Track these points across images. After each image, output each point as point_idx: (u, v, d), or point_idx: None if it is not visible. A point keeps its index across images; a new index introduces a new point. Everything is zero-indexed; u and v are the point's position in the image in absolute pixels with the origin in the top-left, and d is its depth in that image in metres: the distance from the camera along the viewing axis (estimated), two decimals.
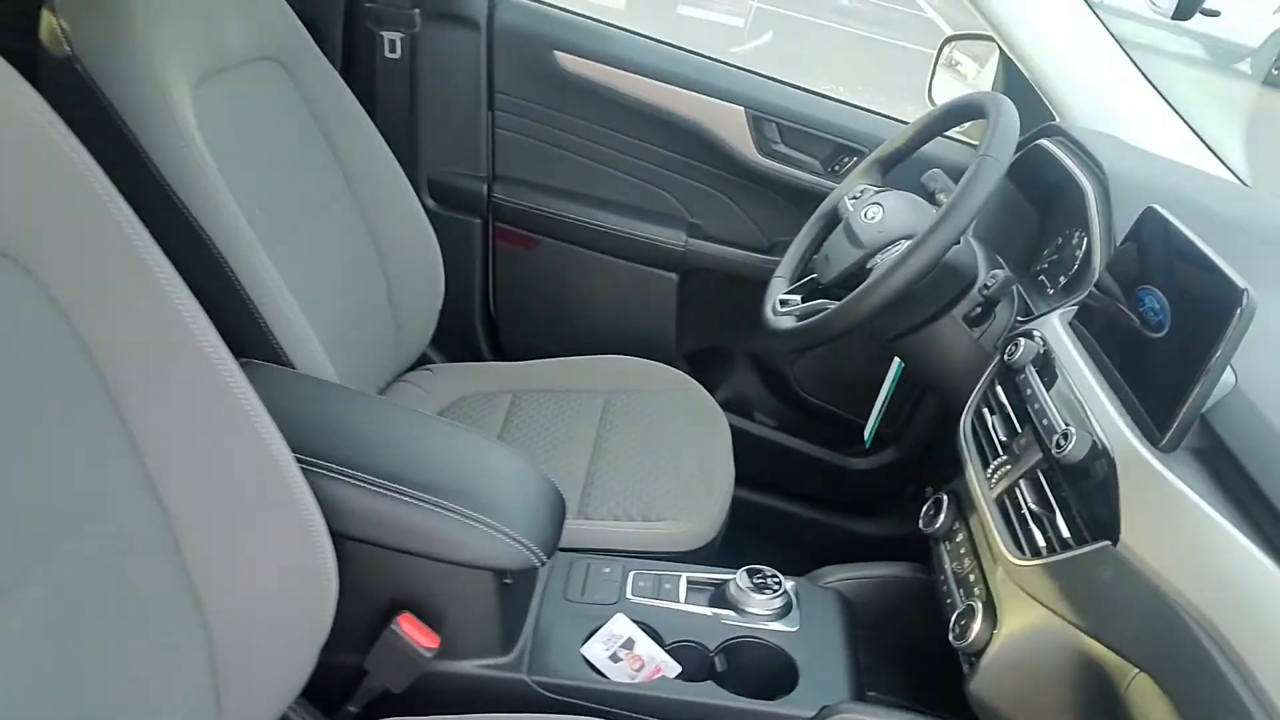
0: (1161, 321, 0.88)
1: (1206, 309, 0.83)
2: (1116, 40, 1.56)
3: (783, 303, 1.39)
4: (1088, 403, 0.93)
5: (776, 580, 1.22)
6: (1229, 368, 0.85)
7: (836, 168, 1.73)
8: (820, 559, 1.65)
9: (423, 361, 1.75)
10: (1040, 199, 1.46)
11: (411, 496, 0.97)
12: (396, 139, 1.62)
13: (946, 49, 1.87)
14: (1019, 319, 1.24)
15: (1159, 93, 1.57)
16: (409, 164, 1.67)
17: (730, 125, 1.72)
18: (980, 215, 1.52)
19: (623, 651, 1.11)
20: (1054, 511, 0.92)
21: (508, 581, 1.05)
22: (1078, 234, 1.35)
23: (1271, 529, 0.75)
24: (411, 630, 1.01)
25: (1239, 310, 0.79)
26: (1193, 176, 1.41)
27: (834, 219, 1.45)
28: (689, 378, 1.70)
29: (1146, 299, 0.91)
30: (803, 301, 1.37)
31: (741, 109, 1.70)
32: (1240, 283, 0.80)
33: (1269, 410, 0.82)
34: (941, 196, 1.40)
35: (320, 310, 1.35)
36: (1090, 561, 0.84)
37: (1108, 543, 0.82)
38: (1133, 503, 0.82)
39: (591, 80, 1.71)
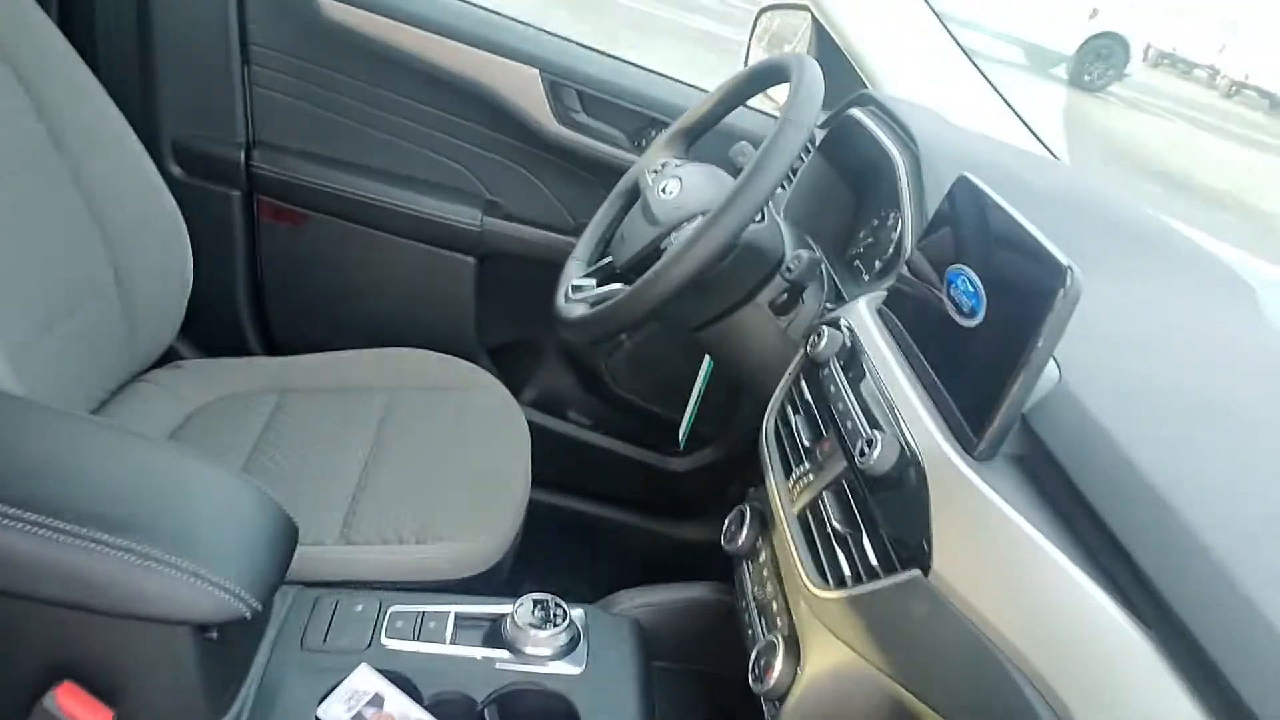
0: (975, 307, 0.76)
1: (1025, 292, 0.71)
2: (933, 9, 1.47)
3: (576, 289, 1.22)
4: (897, 403, 0.79)
5: (561, 611, 1.05)
6: (1052, 360, 0.73)
7: (643, 141, 1.57)
8: (637, 569, 1.50)
9: (170, 357, 1.49)
10: (855, 176, 1.35)
11: (65, 532, 0.74)
12: (126, 95, 1.36)
13: (764, 19, 1.75)
14: (828, 305, 1.11)
15: (975, 66, 1.49)
16: (144, 124, 1.40)
17: (525, 91, 1.53)
18: (795, 195, 1.41)
19: (369, 711, 0.91)
20: (860, 531, 0.78)
21: (211, 636, 0.84)
22: (893, 214, 1.24)
23: (1103, 552, 0.63)
24: (72, 704, 0.78)
25: (1061, 292, 0.66)
26: (1008, 150, 1.32)
27: (634, 195, 1.30)
28: (485, 373, 1.51)
29: (958, 280, 0.78)
30: (597, 286, 1.20)
31: (537, 72, 1.52)
32: (1063, 260, 0.67)
33: (1098, 409, 0.70)
34: None
35: (9, 296, 1.09)
36: (899, 595, 0.70)
37: (918, 572, 0.69)
38: (945, 523, 0.69)
39: (360, 32, 1.49)
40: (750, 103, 1.38)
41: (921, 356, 0.82)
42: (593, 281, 1.23)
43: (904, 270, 0.91)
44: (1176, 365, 0.85)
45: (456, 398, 1.46)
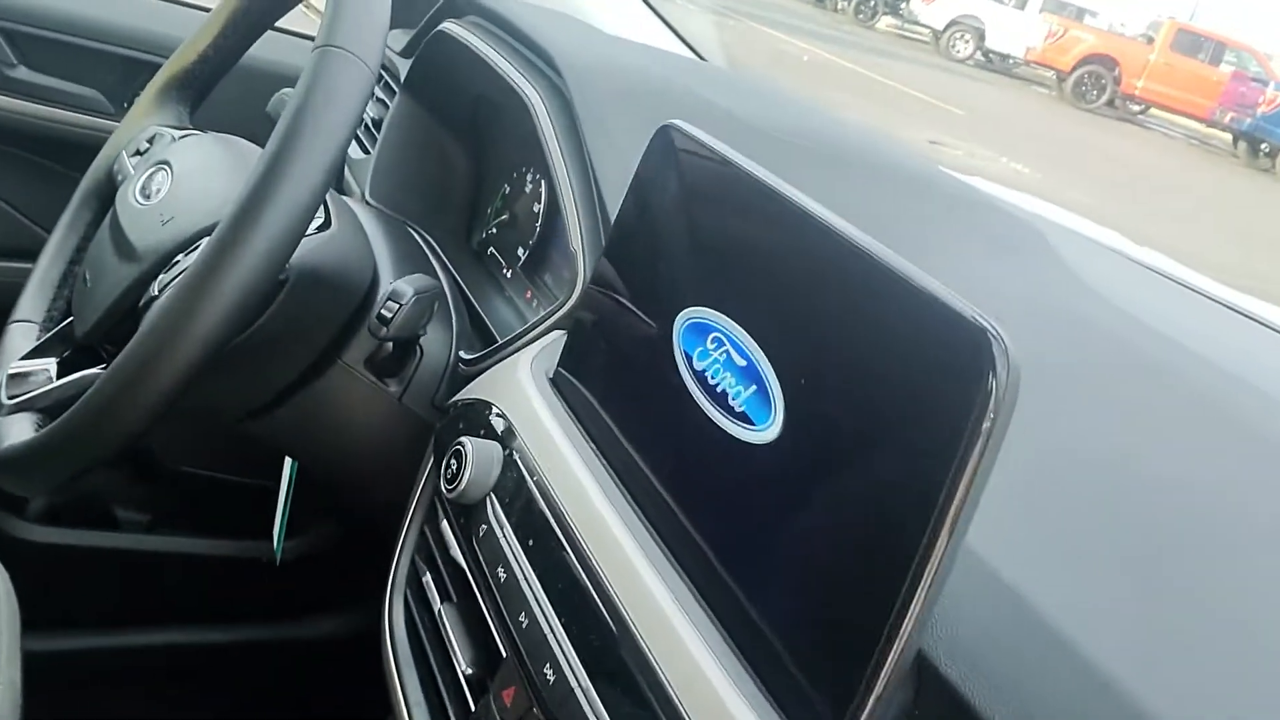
0: (760, 405, 0.36)
1: (884, 377, 0.32)
2: None
3: (16, 379, 0.68)
4: (627, 605, 0.39)
5: None
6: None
7: (128, 104, 1.02)
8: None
9: None
10: (465, 125, 0.91)
11: None
12: None
13: None
14: (462, 356, 0.68)
15: None
16: None
17: None
18: (380, 163, 0.95)
19: None
20: None
21: None
22: (531, 174, 0.83)
23: None
24: None
25: (990, 378, 0.29)
26: (665, 59, 0.95)
27: (110, 198, 0.77)
28: None
29: (708, 341, 0.39)
30: (58, 374, 0.67)
31: None
32: (979, 318, 0.29)
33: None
34: None
35: None
36: None
37: None
38: None
39: None
40: (292, 26, 0.89)
41: (663, 492, 0.42)
42: (49, 365, 0.69)
43: (589, 296, 0.49)
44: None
45: None
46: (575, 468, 0.45)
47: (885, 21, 13.30)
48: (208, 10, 1.08)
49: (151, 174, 0.68)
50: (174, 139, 0.73)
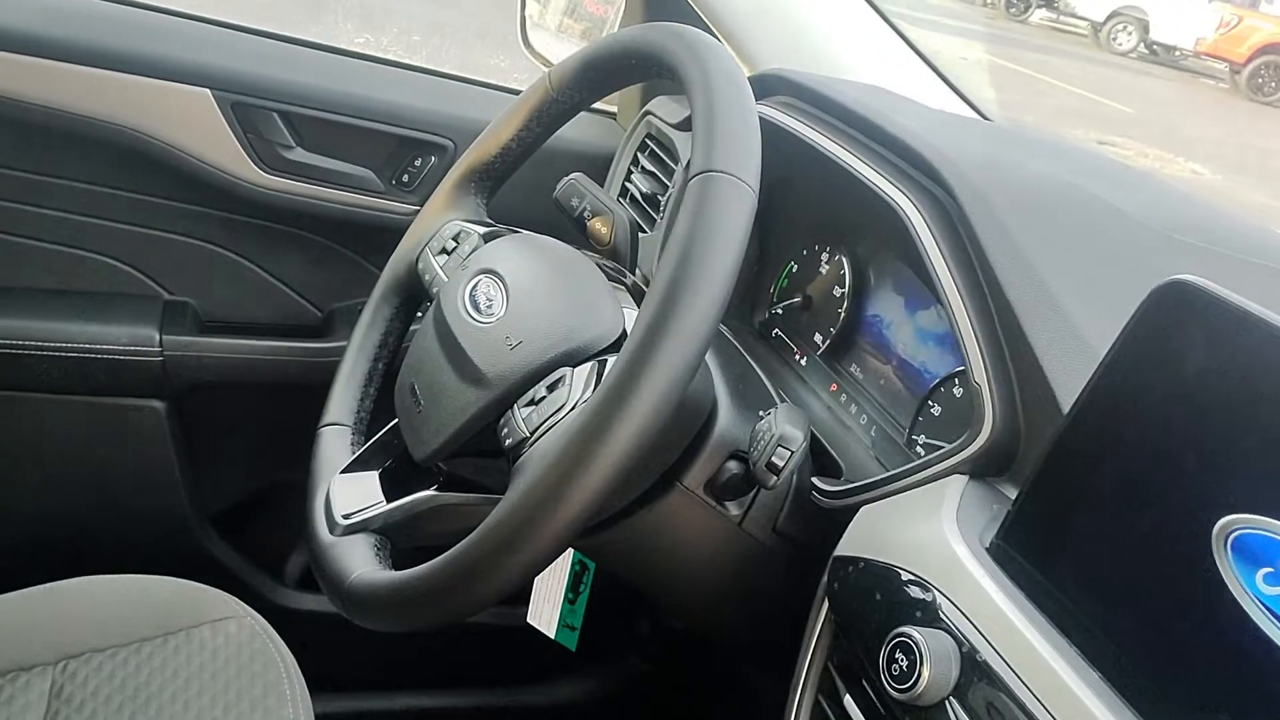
0: None
1: None
2: None
3: (344, 494, 0.68)
4: None
5: None
6: None
7: (405, 178, 1.01)
8: None
9: None
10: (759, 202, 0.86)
11: None
12: None
13: None
14: (817, 484, 0.62)
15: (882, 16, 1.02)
16: None
17: (194, 125, 0.93)
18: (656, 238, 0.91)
19: None
20: None
21: None
22: (828, 253, 0.78)
23: None
24: None
25: None
26: (980, 130, 0.87)
27: (413, 298, 0.76)
28: (223, 597, 0.93)
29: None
30: (386, 495, 0.66)
31: (207, 93, 0.92)
32: None
33: None
34: (600, 226, 0.76)
35: None
36: None
37: None
38: None
39: None
40: None
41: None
42: (372, 478, 0.68)
43: (1055, 465, 0.43)
44: None
45: (171, 648, 0.88)
46: (1066, 679, 0.38)
47: (1039, 15, 12.70)
48: (474, 82, 1.08)
49: (476, 283, 0.65)
50: (482, 238, 0.71)
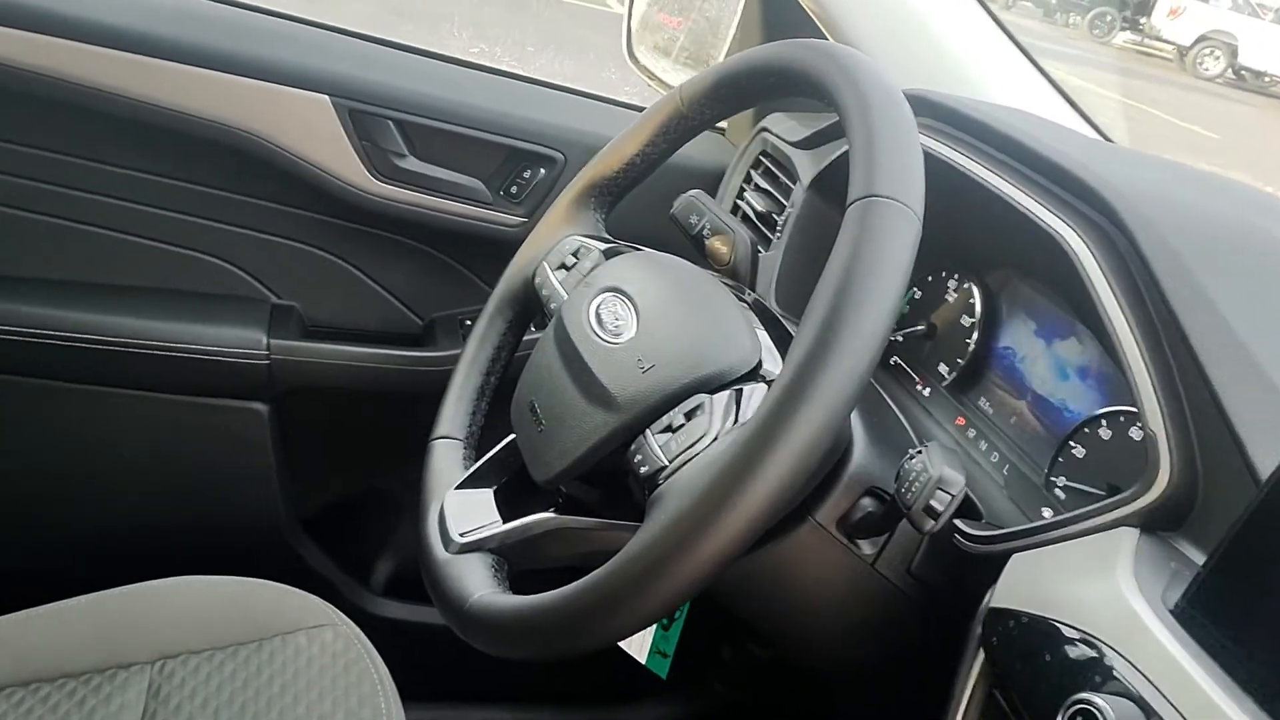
0: None
1: None
2: None
3: (459, 510, 0.66)
4: None
5: None
6: None
7: (514, 189, 1.00)
8: None
9: None
10: None
11: None
12: None
13: None
14: (964, 530, 0.59)
15: (996, 22, 0.99)
16: None
17: (313, 131, 0.94)
18: (786, 264, 0.89)
19: None
20: None
21: None
22: (955, 280, 0.76)
23: None
24: None
25: None
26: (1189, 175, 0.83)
27: (526, 311, 0.75)
28: (318, 604, 0.93)
29: None
30: (502, 514, 0.64)
31: (326, 100, 0.93)
32: None
33: None
34: (719, 245, 0.74)
35: None
36: None
37: None
38: None
39: (18, 66, 0.86)
40: None
41: None
42: (486, 495, 0.67)
43: (1254, 531, 0.40)
44: None
45: (272, 658, 0.88)
46: None
47: (1123, 38, 12.42)
48: (584, 95, 1.07)
49: (602, 301, 0.64)
50: (602, 254, 0.70)
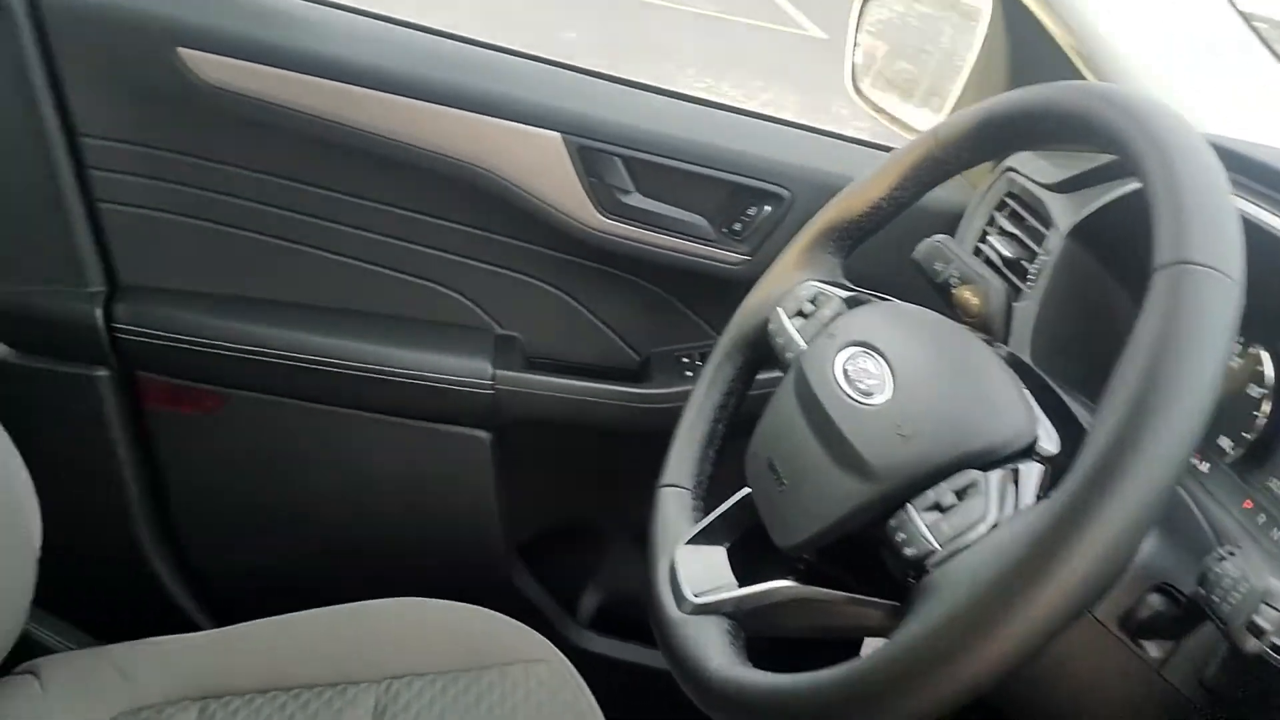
0: None
1: None
2: None
3: (691, 568, 0.64)
4: None
5: None
6: None
7: (738, 226, 0.98)
8: None
9: (22, 654, 0.91)
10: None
11: None
12: None
13: (870, 5, 1.16)
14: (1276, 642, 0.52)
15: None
16: None
17: (542, 167, 0.95)
18: (1042, 320, 0.83)
19: None
20: None
21: None
22: (1240, 344, 0.68)
23: None
24: None
25: None
26: None
27: (756, 358, 0.72)
28: (534, 637, 0.93)
29: None
30: (738, 574, 0.62)
31: (558, 137, 0.93)
32: None
33: None
34: (969, 295, 0.69)
35: None
36: None
37: None
38: None
39: (261, 101, 0.91)
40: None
41: None
42: (719, 554, 0.64)
43: None
44: None
45: (485, 684, 0.89)
46: None
47: None
48: (814, 130, 1.04)
49: (850, 356, 0.60)
50: (844, 302, 0.66)
